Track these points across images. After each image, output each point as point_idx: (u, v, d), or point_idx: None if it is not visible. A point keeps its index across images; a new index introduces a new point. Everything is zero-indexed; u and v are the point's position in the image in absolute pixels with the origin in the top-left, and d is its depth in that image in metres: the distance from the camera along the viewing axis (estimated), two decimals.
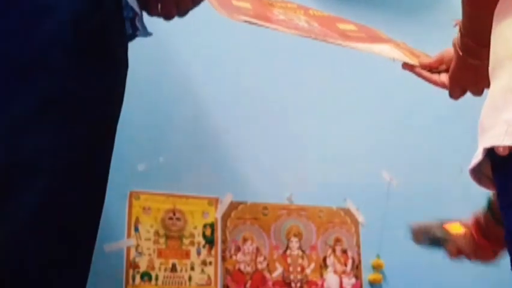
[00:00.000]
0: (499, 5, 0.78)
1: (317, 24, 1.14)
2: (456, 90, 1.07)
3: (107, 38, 0.85)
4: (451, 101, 1.11)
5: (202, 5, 1.03)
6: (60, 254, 0.77)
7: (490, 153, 0.71)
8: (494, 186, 0.75)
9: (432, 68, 1.13)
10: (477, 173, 0.77)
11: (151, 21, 1.02)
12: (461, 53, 0.99)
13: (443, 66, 1.10)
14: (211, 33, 1.66)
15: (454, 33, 0.99)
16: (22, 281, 0.73)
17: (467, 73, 1.01)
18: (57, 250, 0.77)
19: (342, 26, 1.18)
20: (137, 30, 0.99)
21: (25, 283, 0.73)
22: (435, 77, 1.12)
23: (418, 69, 1.15)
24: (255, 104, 1.70)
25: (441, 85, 1.11)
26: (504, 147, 0.68)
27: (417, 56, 1.16)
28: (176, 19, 1.02)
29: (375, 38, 1.20)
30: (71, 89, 0.79)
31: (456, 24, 0.97)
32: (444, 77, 1.10)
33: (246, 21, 0.99)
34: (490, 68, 0.77)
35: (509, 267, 0.73)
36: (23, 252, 0.73)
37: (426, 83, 1.15)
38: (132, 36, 1.00)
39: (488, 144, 0.71)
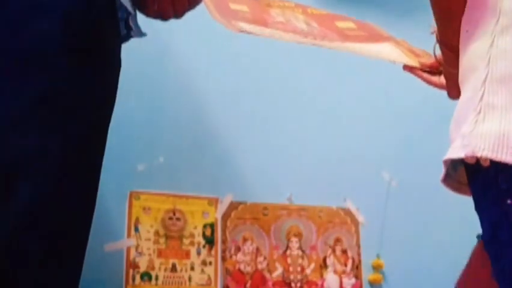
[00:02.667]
0: (464, 16, 0.78)
1: (316, 24, 1.13)
2: (453, 92, 1.05)
3: (99, 37, 0.84)
4: (453, 101, 1.10)
5: (202, 5, 1.02)
6: (52, 253, 0.77)
7: (465, 162, 0.73)
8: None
9: (434, 69, 1.11)
10: (453, 181, 0.80)
11: (150, 21, 1.01)
12: (440, 61, 0.97)
13: None
14: (212, 32, 1.65)
15: None
16: (13, 281, 0.73)
17: (453, 80, 0.96)
18: (49, 250, 0.77)
19: (340, 24, 1.17)
20: (131, 30, 0.99)
21: (17, 282, 0.73)
22: (435, 78, 1.11)
23: (418, 71, 1.13)
24: (255, 104, 1.70)
25: (441, 87, 1.09)
26: (472, 157, 0.70)
27: (418, 55, 1.14)
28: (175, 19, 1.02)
29: (375, 36, 1.18)
30: (62, 88, 0.78)
31: (433, 32, 0.94)
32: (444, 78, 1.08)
33: (242, 31, 0.99)
34: (459, 80, 0.78)
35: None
36: (15, 253, 0.73)
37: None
38: (127, 37, 0.99)
39: (448, 157, 0.74)
